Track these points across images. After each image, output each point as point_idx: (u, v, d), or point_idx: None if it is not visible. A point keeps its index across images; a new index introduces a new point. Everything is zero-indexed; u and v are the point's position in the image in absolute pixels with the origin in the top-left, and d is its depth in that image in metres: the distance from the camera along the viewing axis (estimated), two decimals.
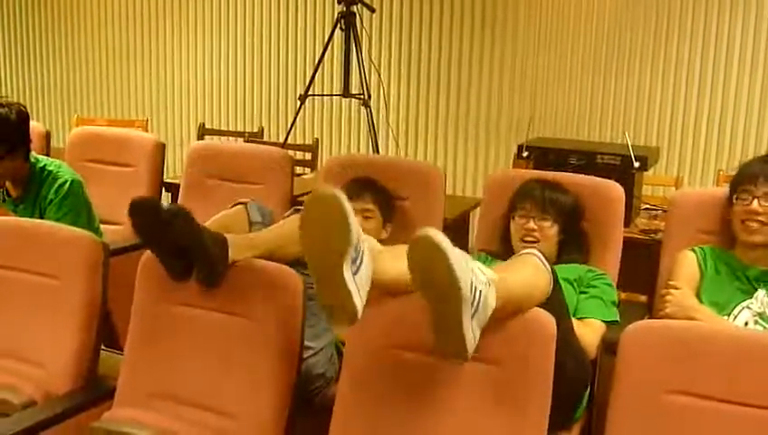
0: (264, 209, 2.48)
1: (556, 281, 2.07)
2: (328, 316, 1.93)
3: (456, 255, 1.75)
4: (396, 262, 1.92)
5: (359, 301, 1.86)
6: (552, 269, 2.06)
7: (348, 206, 1.80)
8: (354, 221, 1.81)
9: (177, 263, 2.18)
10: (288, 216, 2.41)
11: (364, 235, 1.93)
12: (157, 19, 6.23)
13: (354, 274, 1.84)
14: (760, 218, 2.55)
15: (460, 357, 1.85)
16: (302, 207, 2.32)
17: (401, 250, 1.81)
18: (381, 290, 2.01)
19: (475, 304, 1.81)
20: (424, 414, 2.04)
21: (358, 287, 1.85)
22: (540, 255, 2.08)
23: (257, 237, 2.27)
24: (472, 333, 1.83)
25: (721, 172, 4.19)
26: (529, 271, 2.03)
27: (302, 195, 3.77)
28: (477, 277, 1.82)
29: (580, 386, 2.26)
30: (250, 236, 2.28)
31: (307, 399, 2.40)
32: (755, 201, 2.56)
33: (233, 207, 2.51)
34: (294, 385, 2.15)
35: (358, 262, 1.86)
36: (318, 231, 1.82)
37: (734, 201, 2.62)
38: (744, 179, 2.63)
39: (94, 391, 2.35)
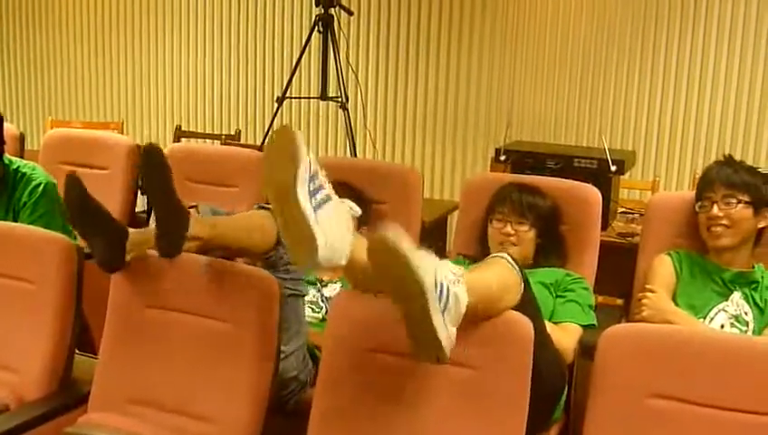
0: (218, 210, 2.44)
1: (527, 282, 2.07)
2: (292, 256, 1.93)
3: (411, 249, 1.75)
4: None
5: (316, 227, 1.80)
6: (521, 271, 2.06)
7: (300, 136, 1.84)
8: (304, 149, 1.84)
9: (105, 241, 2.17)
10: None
11: (344, 199, 1.96)
12: (133, 21, 6.19)
13: (312, 203, 1.83)
14: (723, 222, 2.57)
15: (439, 359, 1.84)
16: (267, 205, 2.32)
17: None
18: (353, 280, 2.01)
19: (444, 299, 1.80)
20: (401, 418, 2.03)
21: (317, 217, 1.82)
22: (509, 257, 2.07)
23: (218, 220, 2.25)
24: (446, 330, 1.81)
25: (697, 175, 4.20)
26: (498, 272, 2.03)
27: None
28: (442, 273, 1.81)
29: (557, 388, 2.26)
30: (214, 219, 2.25)
31: (281, 403, 2.38)
32: (715, 206, 2.59)
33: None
34: (271, 389, 2.13)
35: (317, 195, 1.85)
36: (273, 157, 1.86)
37: (698, 210, 2.65)
38: (702, 186, 2.66)
39: (68, 395, 2.32)
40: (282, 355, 2.34)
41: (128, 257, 2.20)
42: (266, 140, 1.96)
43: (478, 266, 2.09)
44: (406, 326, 1.83)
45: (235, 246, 2.23)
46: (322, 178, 1.89)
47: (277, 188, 1.85)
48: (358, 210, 2.06)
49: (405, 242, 1.74)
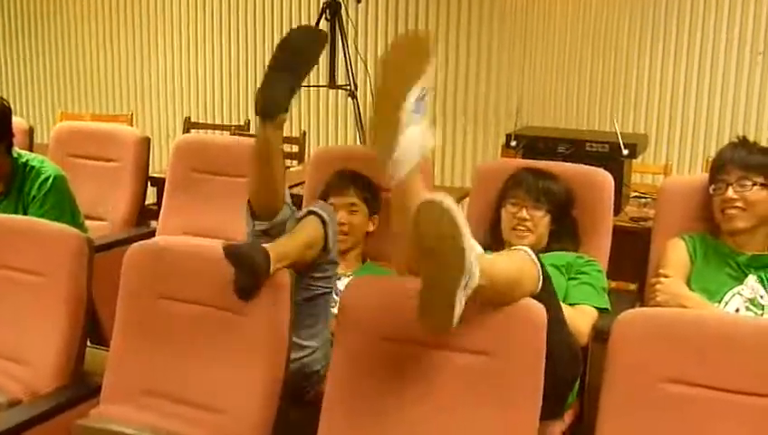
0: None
1: (546, 273, 2.06)
2: (374, 145, 1.99)
3: (466, 226, 1.76)
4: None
5: (401, 138, 1.92)
6: (541, 263, 2.04)
7: (431, 49, 1.97)
8: (430, 68, 1.94)
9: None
10: (303, 216, 2.38)
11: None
12: (140, 12, 6.18)
13: (410, 118, 1.92)
14: (737, 205, 2.54)
15: (444, 329, 1.84)
16: (314, 208, 2.31)
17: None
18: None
19: (468, 275, 1.80)
20: (414, 405, 2.03)
21: (406, 133, 1.92)
22: (530, 251, 2.06)
23: (287, 246, 2.23)
24: (460, 305, 1.81)
25: (709, 159, 4.16)
26: (517, 262, 2.02)
27: (290, 187, 3.73)
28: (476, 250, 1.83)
29: (572, 374, 2.24)
30: (281, 246, 2.22)
31: (300, 394, 2.38)
32: (729, 189, 2.55)
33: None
34: (283, 380, 2.12)
35: (417, 112, 1.94)
36: (399, 62, 1.95)
37: (712, 192, 2.62)
38: (716, 169, 2.62)
39: (80, 388, 2.32)
40: (308, 350, 2.36)
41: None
42: (400, 38, 2.09)
43: (499, 255, 2.08)
44: (423, 289, 1.82)
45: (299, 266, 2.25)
46: (428, 94, 1.97)
47: (388, 96, 1.93)
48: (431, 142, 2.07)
49: (459, 214, 1.76)
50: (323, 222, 2.33)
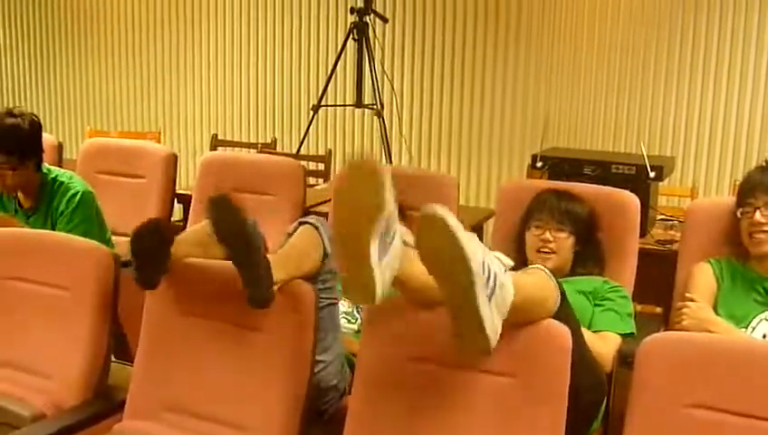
0: (323, 221, 2.38)
1: (563, 294, 2.04)
2: (344, 289, 1.86)
3: (460, 227, 1.71)
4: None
5: (380, 284, 1.79)
6: (558, 283, 2.03)
7: (387, 176, 1.77)
8: (390, 193, 1.77)
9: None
10: (294, 230, 2.37)
11: (400, 225, 1.89)
12: (170, 31, 6.25)
13: (382, 255, 1.79)
14: (765, 229, 2.53)
15: (483, 349, 1.79)
16: (306, 219, 2.30)
17: None
18: (405, 290, 1.98)
19: (491, 284, 1.76)
20: (437, 426, 2.01)
21: (382, 271, 1.79)
22: (546, 270, 2.05)
23: (286, 258, 2.21)
24: (491, 317, 1.77)
25: (736, 182, 4.14)
26: (537, 279, 2.01)
27: (315, 205, 3.76)
28: (490, 257, 1.79)
29: (596, 400, 2.22)
30: (280, 258, 2.20)
31: (319, 411, 2.38)
32: (757, 212, 2.54)
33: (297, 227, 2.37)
34: (306, 397, 2.12)
35: (387, 242, 1.81)
36: (350, 196, 1.77)
37: (740, 216, 2.60)
38: (744, 192, 2.61)
39: (104, 403, 2.33)
40: (321, 364, 2.34)
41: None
42: (345, 170, 1.84)
43: (516, 274, 2.07)
44: (450, 312, 1.79)
45: (299, 276, 2.22)
46: (395, 220, 1.84)
47: (349, 231, 1.78)
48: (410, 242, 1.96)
49: (453, 218, 1.71)
50: (316, 228, 2.30)
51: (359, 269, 1.78)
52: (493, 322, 1.78)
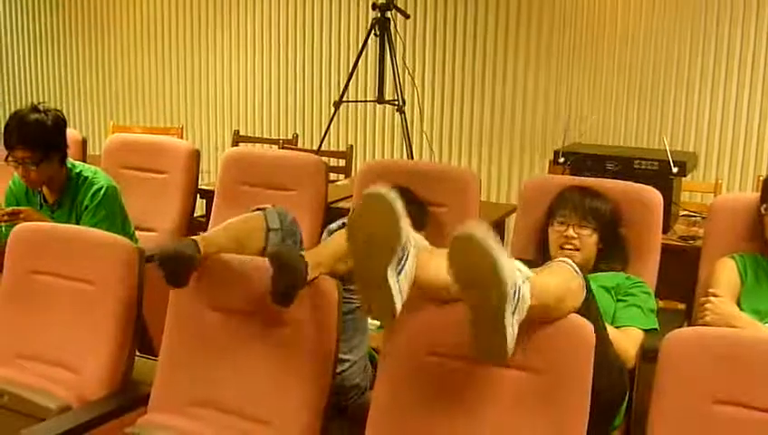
0: (286, 215, 2.42)
1: (589, 289, 2.04)
2: (365, 312, 1.92)
3: (501, 252, 1.73)
4: (442, 269, 1.87)
5: (399, 301, 1.85)
6: (584, 277, 2.03)
7: (400, 206, 1.81)
8: (405, 222, 1.82)
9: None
10: (337, 228, 2.38)
11: (413, 232, 1.91)
12: (192, 27, 6.28)
13: (398, 274, 1.84)
14: None
15: (501, 358, 1.83)
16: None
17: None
18: (422, 292, 1.99)
19: (516, 299, 1.79)
20: (460, 422, 2.02)
21: (400, 288, 1.85)
22: (572, 263, 2.05)
23: (320, 255, 2.22)
24: (512, 330, 1.80)
25: (760, 178, 4.11)
26: (562, 276, 2.01)
27: (337, 201, 3.76)
28: (517, 274, 1.81)
29: (618, 395, 2.22)
30: (317, 255, 2.22)
31: (341, 407, 2.39)
32: None
33: (253, 211, 2.44)
34: (329, 392, 2.13)
35: (403, 261, 1.85)
36: (367, 231, 1.82)
37: (763, 212, 2.58)
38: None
39: (129, 396, 2.35)
40: (347, 364, 2.37)
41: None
42: (358, 202, 1.90)
43: (541, 270, 2.07)
44: (472, 322, 1.81)
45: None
46: (410, 238, 1.88)
47: (367, 265, 1.84)
48: (427, 245, 2.00)
49: (492, 239, 1.73)
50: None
51: (378, 292, 1.83)
52: (513, 334, 1.82)
